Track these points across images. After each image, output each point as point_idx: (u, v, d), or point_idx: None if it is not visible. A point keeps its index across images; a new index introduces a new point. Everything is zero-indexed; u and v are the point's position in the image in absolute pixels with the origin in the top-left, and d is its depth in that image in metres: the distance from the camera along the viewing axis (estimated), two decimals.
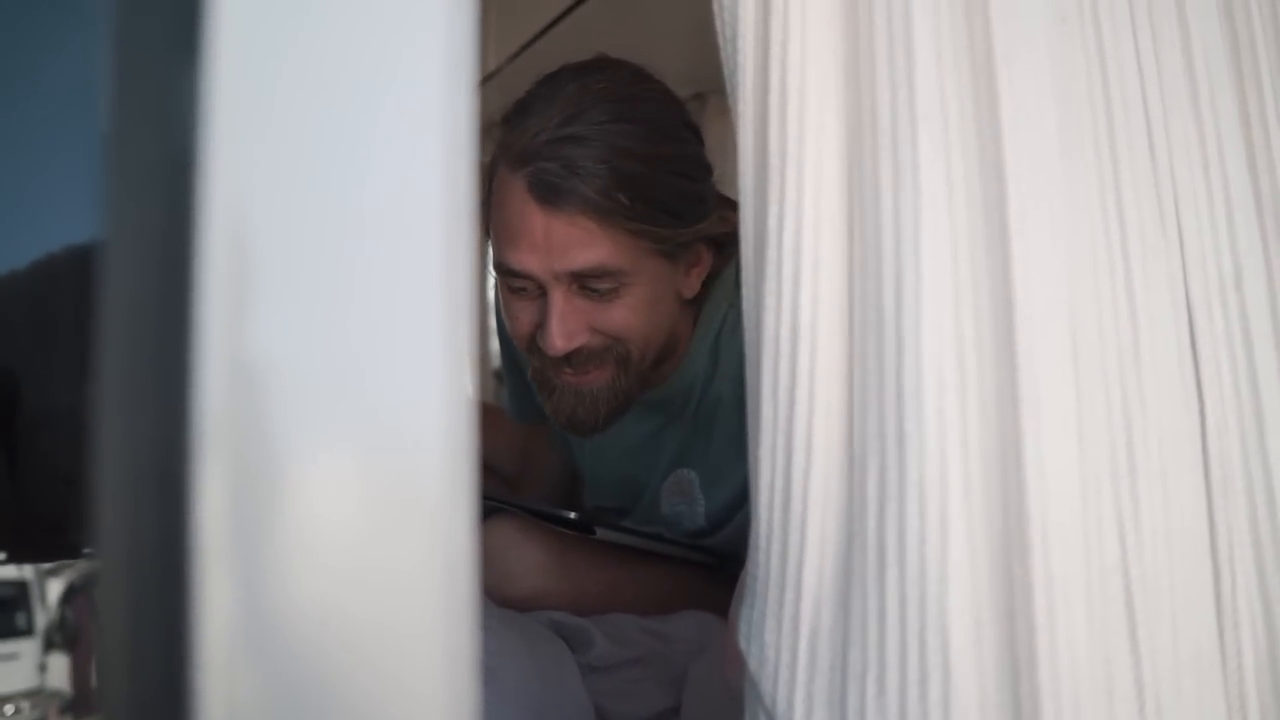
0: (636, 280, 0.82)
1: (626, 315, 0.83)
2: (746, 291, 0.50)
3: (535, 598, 0.86)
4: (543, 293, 0.83)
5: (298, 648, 0.25)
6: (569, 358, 0.84)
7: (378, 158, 0.26)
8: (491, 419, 1.43)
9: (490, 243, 0.89)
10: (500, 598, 0.84)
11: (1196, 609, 0.47)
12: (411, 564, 0.27)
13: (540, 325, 0.84)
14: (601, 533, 0.86)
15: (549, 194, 0.79)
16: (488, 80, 1.38)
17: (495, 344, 2.46)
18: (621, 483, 1.05)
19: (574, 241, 0.80)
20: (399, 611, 0.27)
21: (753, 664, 0.49)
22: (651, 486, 1.01)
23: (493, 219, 0.86)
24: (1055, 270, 0.42)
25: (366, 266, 0.26)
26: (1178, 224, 0.50)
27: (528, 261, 0.82)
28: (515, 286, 0.85)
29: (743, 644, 0.51)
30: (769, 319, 0.48)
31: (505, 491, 1.24)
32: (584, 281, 0.81)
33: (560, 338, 0.82)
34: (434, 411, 0.27)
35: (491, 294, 2.53)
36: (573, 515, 0.85)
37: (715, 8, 0.47)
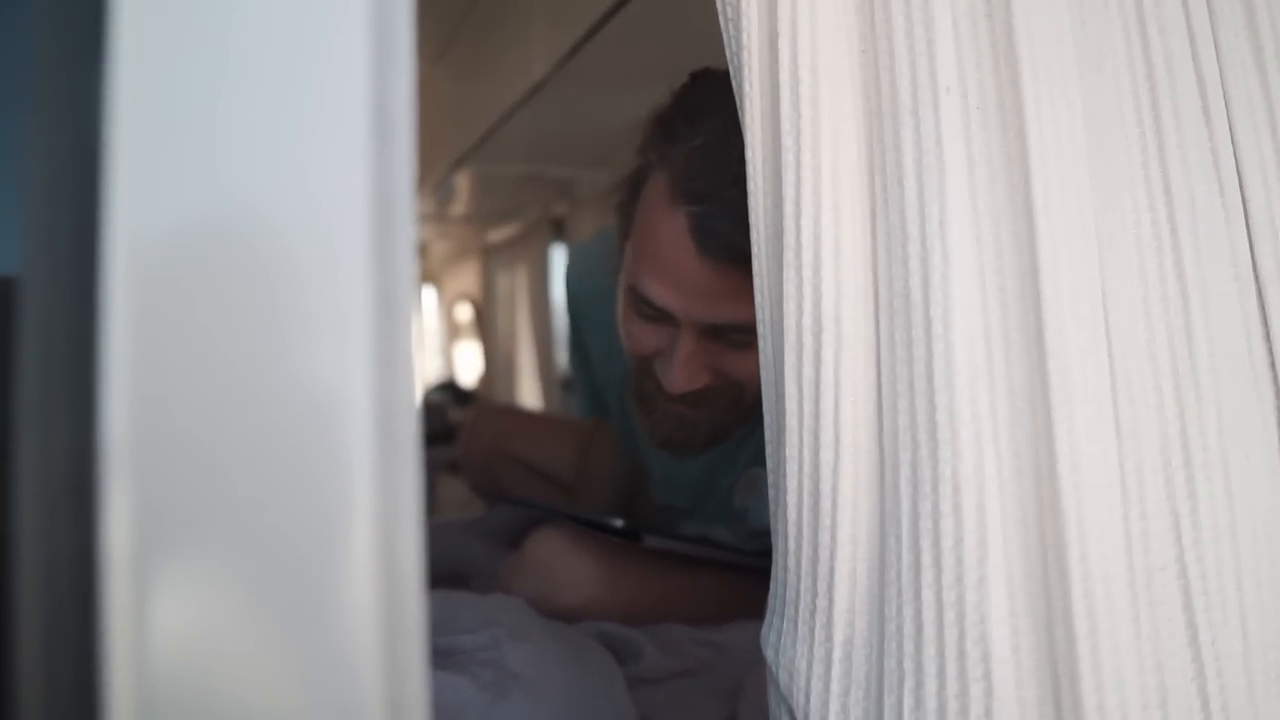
0: None
1: (752, 364, 0.80)
2: (760, 283, 0.48)
3: (584, 608, 0.84)
4: (673, 325, 0.80)
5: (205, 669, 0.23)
6: (685, 395, 0.82)
7: (295, 158, 0.24)
8: (548, 424, 1.42)
9: (627, 253, 0.86)
10: (548, 609, 0.82)
11: (1273, 613, 0.43)
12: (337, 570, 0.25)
13: (662, 356, 0.82)
14: (650, 540, 0.84)
15: (712, 242, 0.75)
16: (537, 91, 1.38)
17: (560, 356, 2.47)
18: (696, 484, 1.03)
19: (724, 295, 0.76)
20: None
21: (782, 678, 0.47)
22: (725, 486, 0.99)
23: (637, 233, 0.83)
24: (1086, 247, 0.39)
25: (283, 272, 0.25)
26: (1241, 193, 0.46)
27: (669, 300, 0.78)
28: (645, 313, 0.83)
29: (769, 656, 0.48)
30: (790, 310, 0.45)
31: (561, 499, 1.23)
32: (720, 331, 0.79)
33: (684, 378, 0.80)
34: (363, 421, 0.25)
35: (554, 295, 2.54)
36: (619, 523, 0.83)
37: None
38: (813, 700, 0.45)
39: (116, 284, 0.22)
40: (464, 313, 3.64)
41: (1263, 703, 0.42)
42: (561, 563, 0.86)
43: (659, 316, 0.81)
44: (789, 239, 0.45)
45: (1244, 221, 0.46)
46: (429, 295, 4.21)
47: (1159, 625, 0.39)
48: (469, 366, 3.71)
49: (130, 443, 0.22)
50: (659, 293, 0.78)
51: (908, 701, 0.42)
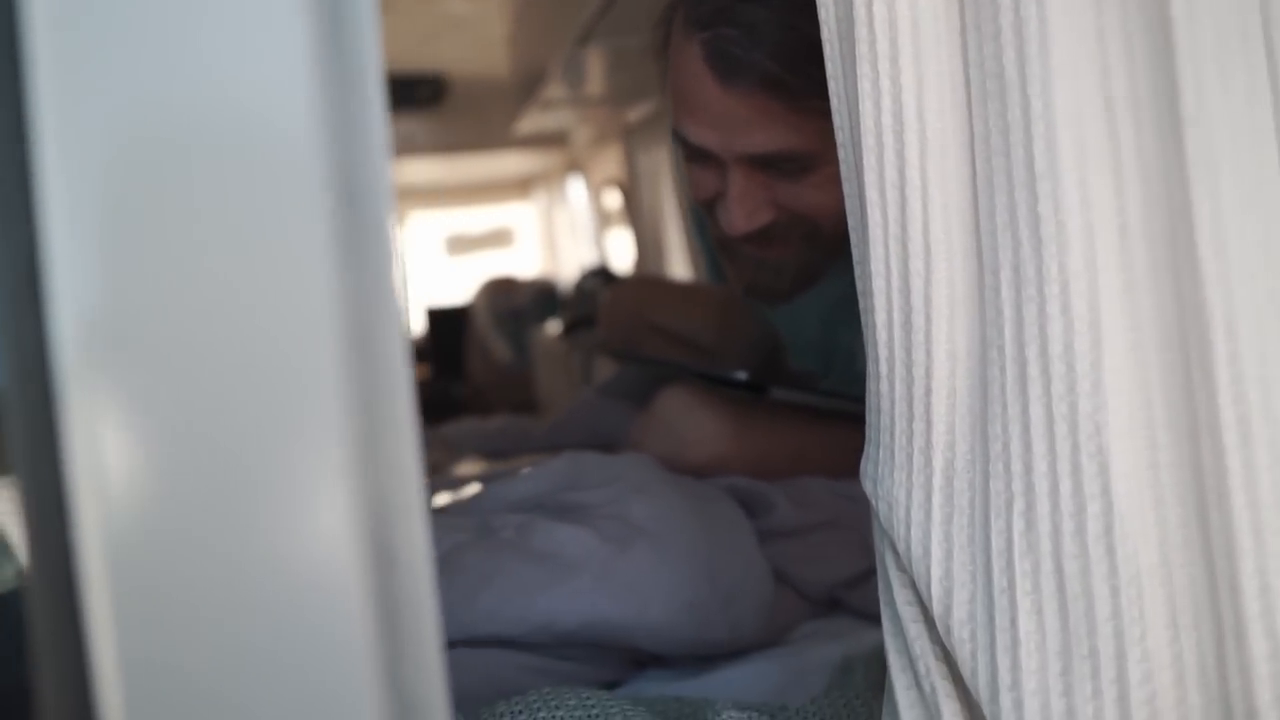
0: (827, 159, 0.73)
1: (815, 194, 0.75)
2: (835, 85, 0.43)
3: (713, 464, 0.83)
4: (721, 165, 0.77)
5: None
6: (751, 235, 0.78)
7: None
8: (687, 292, 1.40)
9: (667, 97, 0.83)
10: (676, 466, 0.82)
11: None
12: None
13: (720, 197, 0.79)
14: (776, 393, 0.82)
15: (728, 67, 0.71)
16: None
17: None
18: (820, 344, 1.00)
19: (754, 124, 0.72)
20: None
21: (881, 509, 0.44)
22: (846, 343, 0.95)
23: (669, 78, 0.80)
24: None
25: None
26: None
27: (704, 137, 0.76)
28: (692, 156, 0.80)
29: (868, 488, 0.45)
30: (867, 108, 0.41)
31: (694, 359, 1.22)
32: (767, 162, 0.74)
33: (740, 219, 0.76)
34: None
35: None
36: (743, 376, 0.81)
37: None
38: (913, 531, 0.42)
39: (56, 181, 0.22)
40: (612, 199, 3.63)
41: None
42: (688, 419, 0.85)
43: (706, 157, 0.77)
44: (860, 29, 0.40)
45: None
46: (578, 184, 4.22)
47: None
48: (620, 252, 3.72)
49: (94, 336, 0.22)
50: (694, 131, 0.75)
51: (1017, 525, 0.38)
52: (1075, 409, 0.37)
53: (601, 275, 3.06)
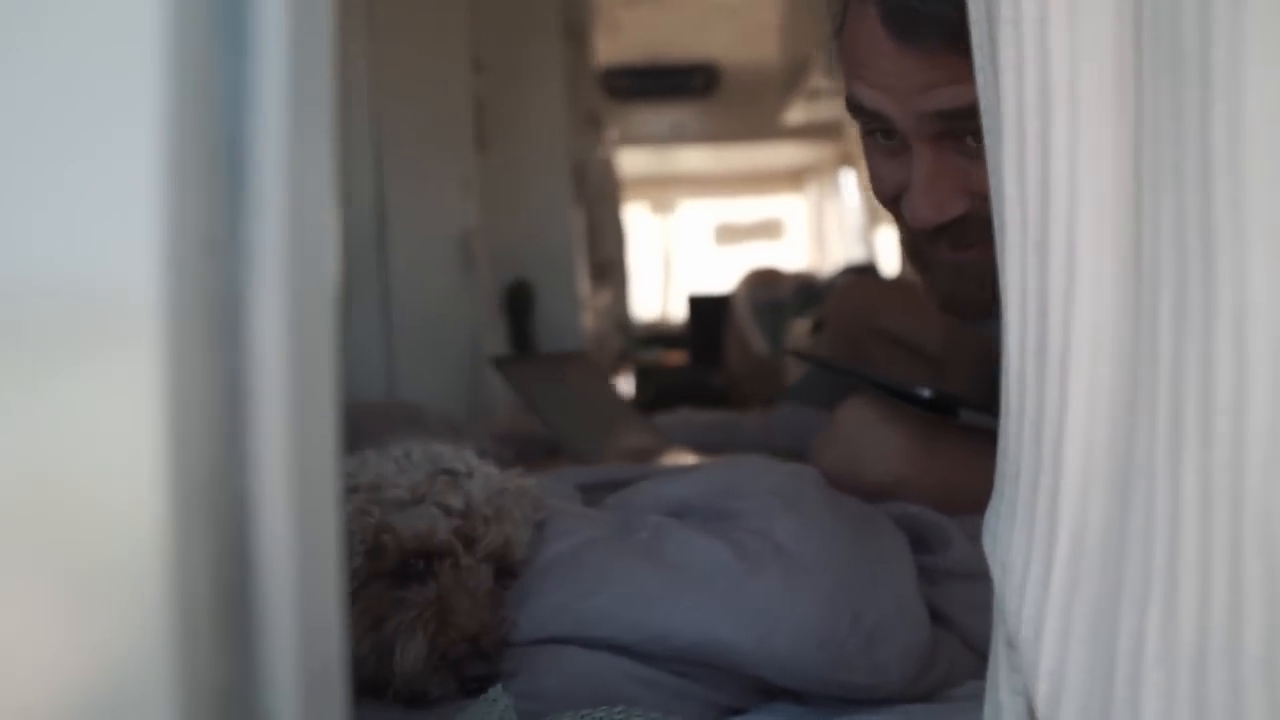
0: None
1: None
2: (979, 57, 0.35)
3: (890, 486, 0.75)
4: (906, 146, 0.70)
5: None
6: (943, 230, 0.70)
7: None
8: (920, 299, 1.30)
9: (844, 79, 0.77)
10: (853, 486, 0.75)
11: None
12: None
13: (906, 190, 0.71)
14: (966, 415, 0.72)
15: (906, 23, 0.65)
16: None
17: None
18: None
19: (935, 80, 0.66)
20: None
21: (996, 573, 0.36)
22: None
23: (844, 46, 0.74)
24: None
25: None
26: None
27: (881, 102, 0.69)
28: (870, 129, 0.73)
29: (987, 545, 0.37)
30: (1008, 82, 0.33)
31: (928, 375, 1.12)
32: (956, 130, 0.66)
33: (929, 207, 0.69)
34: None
35: None
36: (927, 393, 0.72)
37: None
38: (1027, 607, 0.34)
39: None
40: None
41: None
42: (868, 434, 0.77)
43: (889, 138, 0.69)
44: (1004, 10, 0.33)
45: None
46: (850, 178, 4.08)
47: None
48: (888, 251, 3.56)
49: None
50: (869, 96, 0.68)
51: (1154, 614, 0.30)
52: (1241, 485, 0.28)
53: (857, 273, 2.94)
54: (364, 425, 0.90)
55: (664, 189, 5.04)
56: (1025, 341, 0.34)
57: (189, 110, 0.25)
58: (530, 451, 1.35)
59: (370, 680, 0.58)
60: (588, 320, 3.04)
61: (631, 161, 4.49)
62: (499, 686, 0.49)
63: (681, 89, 3.80)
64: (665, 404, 2.21)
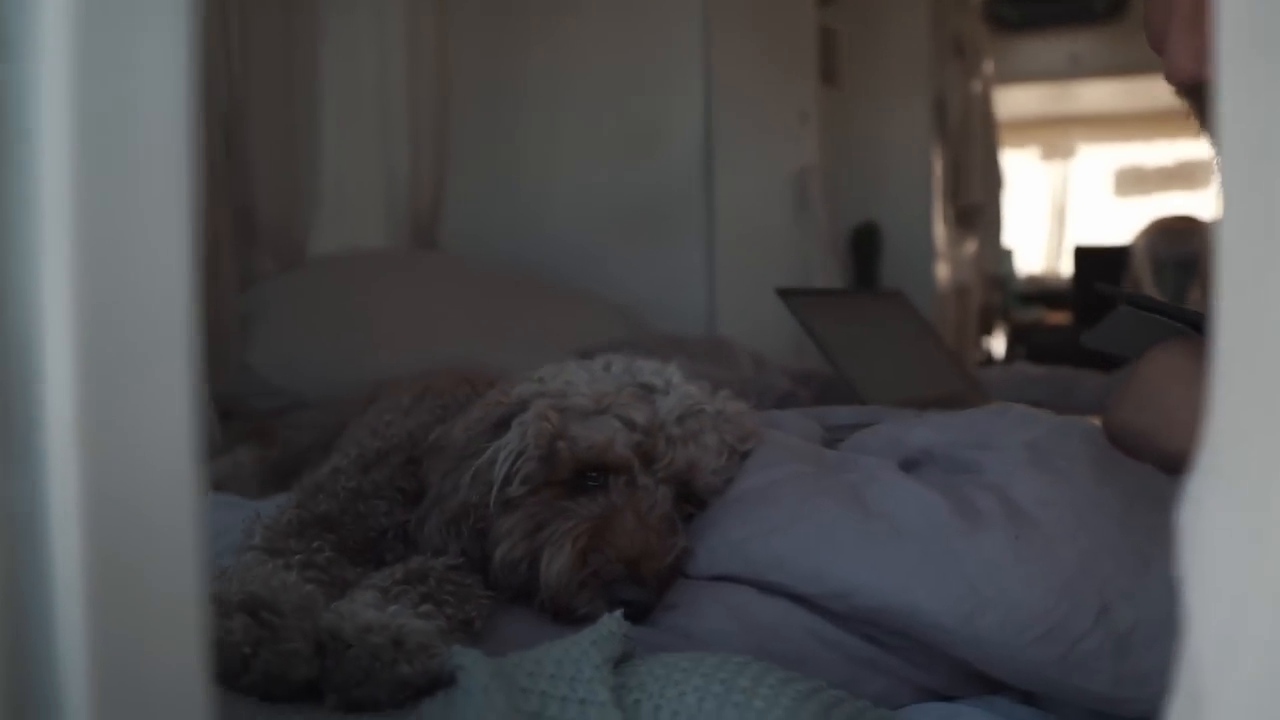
0: None
1: None
2: None
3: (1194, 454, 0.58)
4: None
5: None
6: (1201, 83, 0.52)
7: None
8: None
9: None
10: (1148, 450, 0.59)
11: None
12: None
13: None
14: None
15: None
16: None
17: None
18: None
19: None
20: None
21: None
22: None
23: None
24: None
25: None
26: None
27: None
28: None
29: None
30: None
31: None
32: None
33: (1186, 55, 0.51)
34: None
35: None
36: None
37: None
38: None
39: None
40: None
41: None
42: (1178, 392, 0.60)
43: None
44: None
45: None
46: None
47: None
48: None
49: None
50: None
51: None
52: None
53: None
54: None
55: (1057, 131, 4.52)
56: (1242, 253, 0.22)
57: None
58: (833, 396, 1.26)
59: (521, 589, 0.55)
60: (944, 270, 2.82)
61: (1019, 101, 4.07)
62: (617, 615, 0.44)
63: (1081, 15, 3.36)
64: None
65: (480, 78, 1.87)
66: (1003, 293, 4.03)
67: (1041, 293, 4.31)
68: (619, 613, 0.44)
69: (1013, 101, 3.99)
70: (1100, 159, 4.38)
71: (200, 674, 0.26)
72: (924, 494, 0.54)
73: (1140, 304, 0.68)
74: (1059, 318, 4.10)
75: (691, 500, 0.59)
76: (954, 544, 0.51)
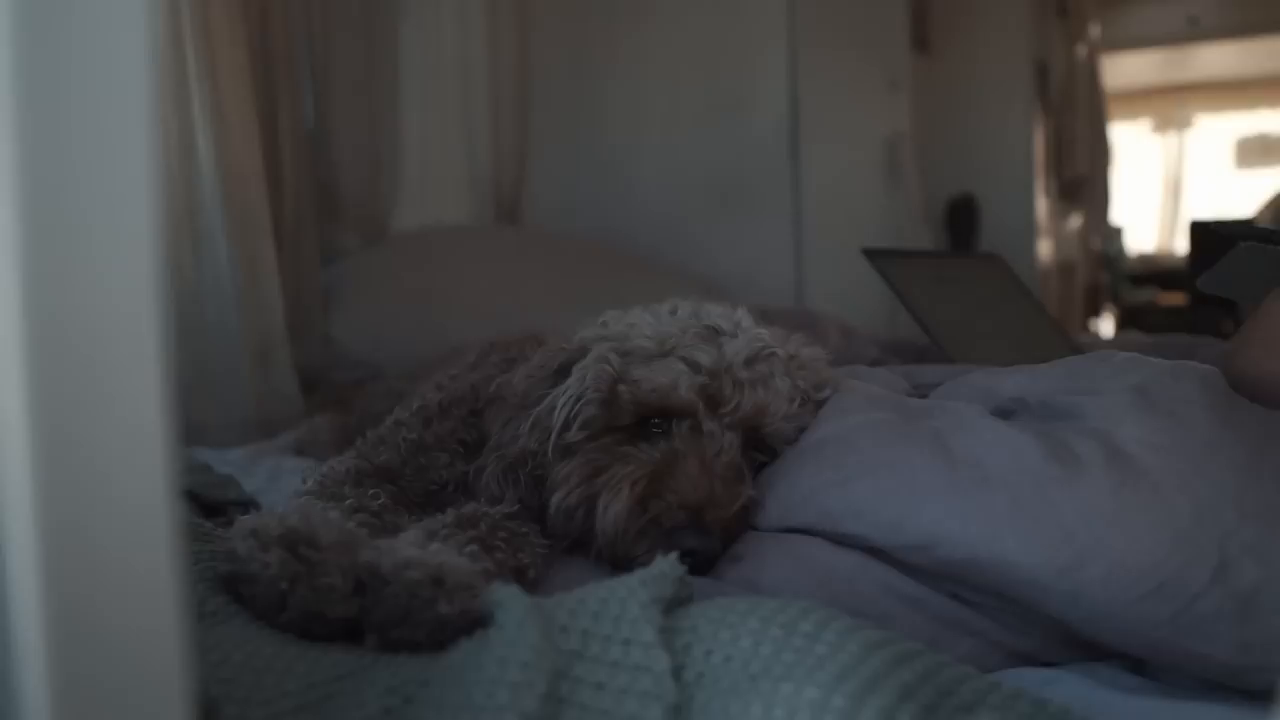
0: None
1: None
2: None
3: None
4: None
5: None
6: None
7: None
8: None
9: None
10: (1278, 396, 0.53)
11: None
12: None
13: None
14: None
15: None
16: None
17: None
18: None
19: None
20: None
21: None
22: None
23: None
24: None
25: None
26: None
27: None
28: None
29: None
30: None
31: None
32: None
33: None
34: None
35: None
36: None
37: None
38: None
39: None
40: None
41: None
42: None
43: None
44: None
45: None
46: None
47: None
48: None
49: None
50: None
51: None
52: None
53: None
54: None
55: (1171, 100, 4.27)
56: None
57: None
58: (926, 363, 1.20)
59: (579, 537, 0.53)
60: (1046, 246, 2.69)
61: (1130, 69, 3.86)
62: (673, 556, 0.41)
63: None
64: None
65: (563, 51, 1.85)
66: (1111, 272, 3.83)
67: (1154, 273, 4.08)
68: (675, 555, 0.41)
69: (1122, 71, 3.79)
70: (1220, 129, 4.12)
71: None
72: (1016, 438, 0.49)
73: (1265, 237, 0.61)
74: (1173, 299, 3.87)
75: (761, 448, 0.55)
76: (1049, 491, 0.46)
